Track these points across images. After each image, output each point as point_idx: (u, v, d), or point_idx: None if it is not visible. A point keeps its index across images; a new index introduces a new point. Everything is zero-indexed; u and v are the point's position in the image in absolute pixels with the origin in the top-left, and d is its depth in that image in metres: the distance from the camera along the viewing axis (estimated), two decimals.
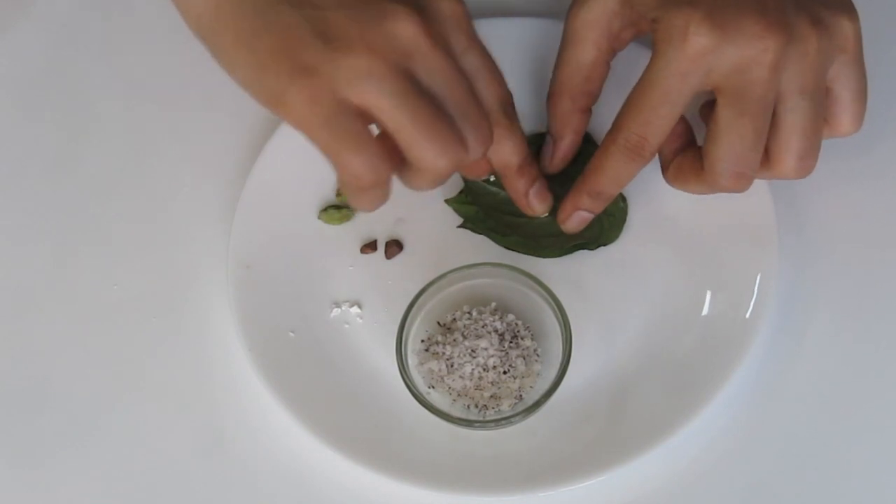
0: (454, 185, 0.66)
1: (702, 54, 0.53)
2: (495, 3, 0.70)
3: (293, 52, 0.51)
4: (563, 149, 0.63)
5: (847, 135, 0.58)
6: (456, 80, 0.53)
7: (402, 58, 0.51)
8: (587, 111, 0.62)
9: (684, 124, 0.59)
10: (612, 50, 0.60)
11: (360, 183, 0.51)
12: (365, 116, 0.51)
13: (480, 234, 0.65)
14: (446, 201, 0.65)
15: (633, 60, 0.59)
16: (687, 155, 0.59)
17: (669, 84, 0.55)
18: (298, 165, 0.65)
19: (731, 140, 0.55)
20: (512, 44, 0.67)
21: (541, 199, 0.62)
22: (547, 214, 0.64)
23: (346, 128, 0.50)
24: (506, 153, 0.59)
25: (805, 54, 0.54)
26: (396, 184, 0.52)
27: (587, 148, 0.63)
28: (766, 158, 0.56)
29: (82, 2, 0.73)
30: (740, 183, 0.57)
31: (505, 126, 0.57)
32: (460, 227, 0.65)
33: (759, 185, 0.62)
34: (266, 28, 0.51)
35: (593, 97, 0.62)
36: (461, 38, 0.54)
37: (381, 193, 0.53)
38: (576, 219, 0.62)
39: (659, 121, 0.56)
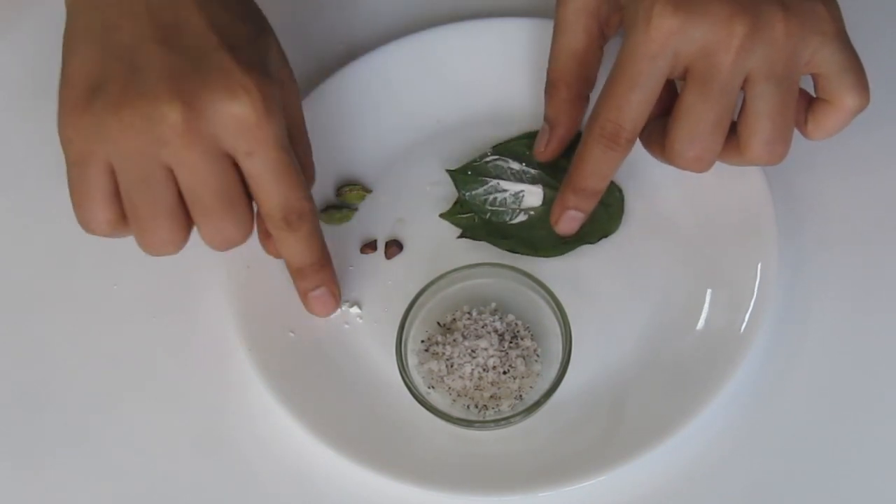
0: (449, 199, 0.66)
1: (666, 36, 0.53)
2: (495, 3, 0.70)
3: (77, 87, 0.53)
4: (558, 136, 0.63)
5: (858, 109, 0.56)
6: (205, 180, 0.53)
7: (154, 143, 0.52)
8: (584, 99, 0.62)
9: (667, 89, 0.58)
10: (604, 35, 0.61)
11: (87, 228, 0.55)
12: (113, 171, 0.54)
13: (481, 240, 0.65)
14: (441, 216, 0.65)
15: None
16: (660, 122, 0.58)
17: (637, 68, 0.55)
18: None
19: (691, 122, 0.55)
20: (512, 44, 0.67)
21: (321, 303, 0.62)
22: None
23: (86, 177, 0.53)
24: (286, 255, 0.60)
25: (773, 41, 0.53)
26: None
27: None
28: (737, 144, 0.57)
29: None
30: (698, 165, 0.57)
31: (282, 232, 0.57)
32: (460, 237, 0.65)
33: (756, 173, 0.62)
34: (75, 51, 0.54)
35: (589, 84, 0.62)
36: (242, 143, 0.53)
37: (115, 237, 0.55)
38: (567, 219, 0.61)
39: (631, 106, 0.56)
